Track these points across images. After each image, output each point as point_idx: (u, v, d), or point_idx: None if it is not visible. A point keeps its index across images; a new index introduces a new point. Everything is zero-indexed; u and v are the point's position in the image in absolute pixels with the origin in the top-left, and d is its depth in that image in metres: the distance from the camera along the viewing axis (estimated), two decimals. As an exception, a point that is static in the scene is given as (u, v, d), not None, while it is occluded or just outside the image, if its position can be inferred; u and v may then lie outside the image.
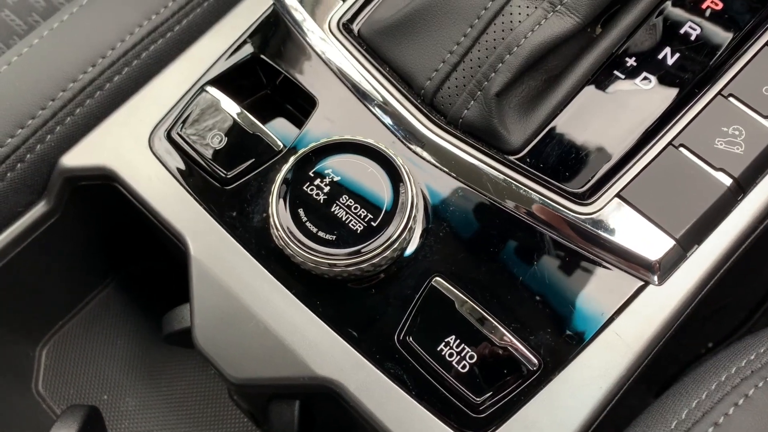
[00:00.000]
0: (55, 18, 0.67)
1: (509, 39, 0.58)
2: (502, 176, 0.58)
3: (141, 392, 0.71)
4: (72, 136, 0.64)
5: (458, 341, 0.54)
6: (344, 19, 0.64)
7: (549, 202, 0.56)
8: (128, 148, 0.63)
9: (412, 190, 0.56)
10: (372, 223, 0.55)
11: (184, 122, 0.63)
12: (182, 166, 0.62)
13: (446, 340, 0.54)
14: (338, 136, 0.59)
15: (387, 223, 0.55)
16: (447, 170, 0.59)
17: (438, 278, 0.56)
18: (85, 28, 0.66)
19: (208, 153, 0.61)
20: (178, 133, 0.63)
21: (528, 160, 0.58)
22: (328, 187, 0.56)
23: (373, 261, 0.54)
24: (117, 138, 0.63)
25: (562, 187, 0.57)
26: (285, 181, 0.56)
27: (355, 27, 0.64)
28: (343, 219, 0.55)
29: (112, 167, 0.62)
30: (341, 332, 0.56)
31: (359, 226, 0.55)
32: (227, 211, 0.60)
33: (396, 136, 0.60)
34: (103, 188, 0.64)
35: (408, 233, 0.55)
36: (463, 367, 0.54)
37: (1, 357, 0.70)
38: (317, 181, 0.57)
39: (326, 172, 0.57)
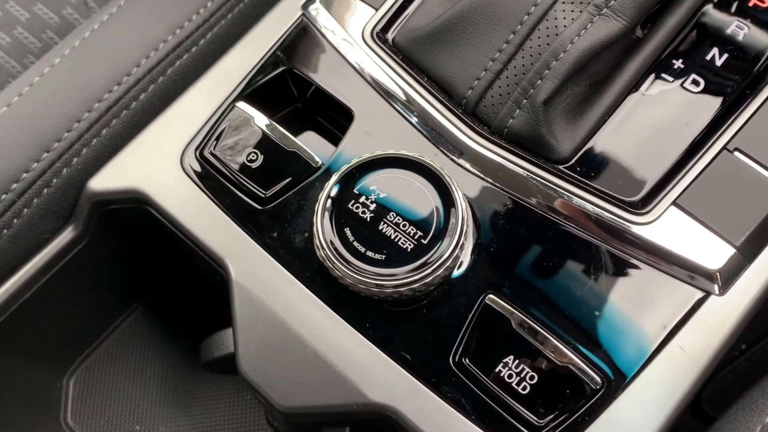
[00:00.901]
0: (75, 35, 0.65)
1: (555, 44, 0.56)
2: (552, 186, 0.56)
3: (174, 421, 0.69)
4: (99, 158, 0.62)
5: (517, 361, 0.53)
6: (378, 29, 0.63)
7: (604, 212, 0.55)
8: (159, 169, 0.61)
9: (461, 205, 0.54)
10: (422, 240, 0.53)
11: (216, 140, 0.61)
12: (217, 187, 0.60)
13: (504, 360, 0.53)
14: (380, 150, 0.57)
15: (438, 240, 0.53)
16: (494, 182, 0.57)
17: (491, 295, 0.54)
18: (108, 45, 0.64)
19: (244, 172, 0.60)
20: (211, 152, 0.61)
21: (578, 168, 0.57)
22: (374, 205, 0.55)
23: (426, 280, 0.52)
24: (147, 159, 0.61)
25: (616, 196, 0.55)
26: (329, 199, 0.55)
27: (390, 36, 0.63)
28: (392, 237, 0.54)
29: (143, 189, 0.60)
30: (393, 355, 0.54)
31: (409, 245, 0.53)
32: (267, 232, 0.58)
33: (438, 148, 0.59)
34: (133, 211, 0.62)
35: (460, 250, 0.54)
36: (524, 388, 0.52)
37: (29, 388, 0.68)
38: (362, 199, 0.55)
39: (371, 188, 0.55)
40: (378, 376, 0.53)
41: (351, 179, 0.56)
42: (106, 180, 0.61)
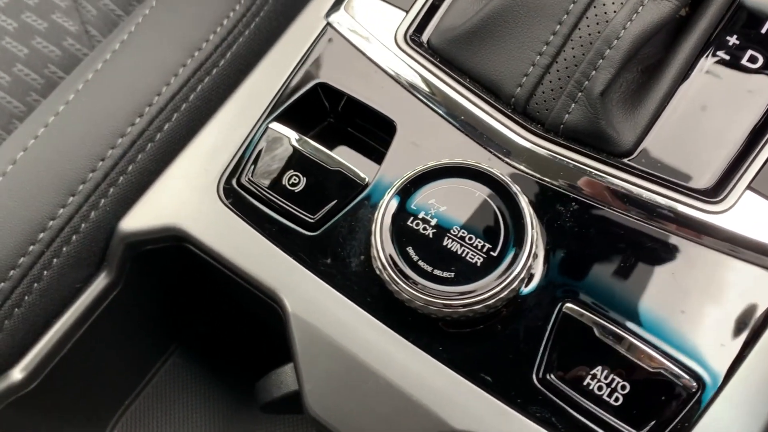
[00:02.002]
0: (86, 68, 0.62)
1: (607, 32, 0.54)
2: (620, 182, 0.54)
3: (229, 466, 0.66)
4: (128, 197, 0.59)
5: (605, 371, 0.50)
6: (411, 32, 0.60)
7: (677, 204, 0.52)
8: (195, 203, 0.58)
9: (528, 212, 0.51)
10: (491, 253, 0.51)
11: (253, 166, 0.58)
12: (260, 215, 0.57)
13: (592, 372, 0.50)
14: (429, 160, 0.54)
15: (508, 250, 0.51)
16: (555, 183, 0.55)
17: (569, 304, 0.52)
18: (124, 74, 0.60)
19: (287, 197, 0.57)
20: (248, 179, 0.58)
21: (643, 160, 0.54)
22: (435, 220, 0.52)
23: (501, 295, 0.50)
24: (180, 192, 0.58)
25: (687, 185, 0.53)
26: (386, 218, 0.52)
27: (424, 38, 0.60)
28: (459, 253, 0.51)
29: (180, 226, 0.57)
30: (472, 378, 0.51)
31: (478, 259, 0.51)
32: (320, 259, 0.55)
33: (490, 151, 0.56)
34: (169, 250, 0.59)
35: (533, 259, 0.51)
36: (616, 399, 0.50)
37: (70, 446, 0.64)
38: (422, 215, 0.52)
39: (429, 202, 0.52)
40: (459, 401, 0.51)
41: (407, 194, 0.53)
42: (139, 219, 0.58)
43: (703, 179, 0.53)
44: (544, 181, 0.55)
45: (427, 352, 0.52)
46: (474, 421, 0.50)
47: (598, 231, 0.54)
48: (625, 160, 0.54)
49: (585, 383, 0.50)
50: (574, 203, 0.54)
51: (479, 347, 0.52)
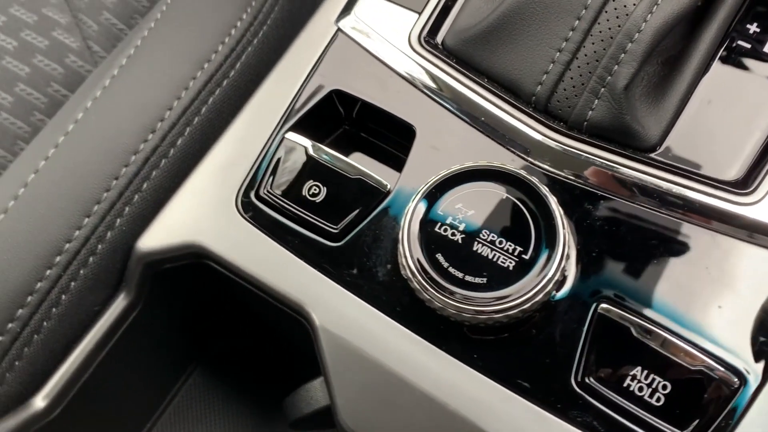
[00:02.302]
0: (93, 85, 0.61)
1: (628, 25, 0.53)
2: (648, 177, 0.53)
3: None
4: (144, 216, 0.58)
5: (645, 372, 0.49)
6: (425, 34, 0.59)
7: (707, 197, 0.52)
8: (214, 218, 0.57)
9: (558, 212, 0.51)
10: (523, 256, 0.50)
11: (272, 177, 0.57)
12: (282, 228, 0.56)
13: (631, 373, 0.50)
14: (451, 164, 0.54)
15: (540, 252, 0.50)
16: (581, 181, 0.54)
17: (604, 304, 0.51)
18: (133, 90, 0.59)
19: (308, 207, 0.56)
20: (267, 192, 0.57)
21: (670, 154, 0.54)
22: (464, 224, 0.51)
23: (536, 298, 0.49)
24: (198, 208, 0.57)
25: (716, 178, 0.52)
26: (413, 224, 0.51)
27: (439, 40, 0.59)
28: (490, 257, 0.50)
29: (200, 242, 0.56)
30: (510, 385, 0.50)
31: (510, 263, 0.50)
32: (346, 269, 0.54)
33: (513, 152, 0.56)
34: (189, 268, 0.58)
35: (566, 260, 0.50)
36: (658, 399, 0.49)
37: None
38: (449, 220, 0.51)
39: (456, 207, 0.52)
40: (498, 409, 0.50)
41: (432, 200, 0.52)
42: (156, 238, 0.57)
43: (732, 171, 0.53)
44: (570, 179, 0.54)
45: (461, 360, 0.51)
46: (514, 429, 0.49)
47: (628, 228, 0.53)
48: (652, 155, 0.54)
49: (625, 384, 0.49)
50: (602, 201, 0.54)
51: (514, 353, 0.51)
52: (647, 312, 0.51)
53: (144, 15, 0.70)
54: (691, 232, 0.52)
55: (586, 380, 0.50)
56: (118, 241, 0.57)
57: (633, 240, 0.53)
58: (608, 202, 0.53)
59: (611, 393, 0.49)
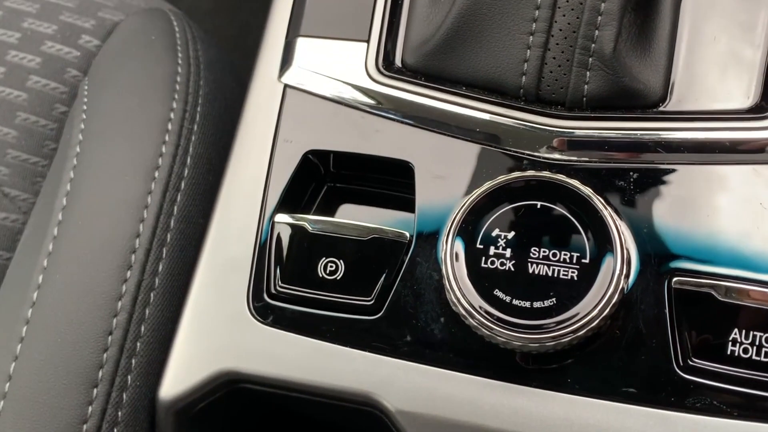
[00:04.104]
0: (37, 239, 0.56)
1: (594, -15, 0.52)
2: (666, 132, 0.52)
3: None
4: (155, 361, 0.53)
5: (744, 332, 0.49)
6: (380, 61, 0.56)
7: (735, 133, 0.51)
8: (233, 336, 0.53)
9: (599, 201, 0.49)
10: (583, 260, 0.48)
11: (278, 270, 0.53)
12: (311, 321, 0.53)
13: (731, 338, 0.49)
14: (466, 188, 0.52)
15: (599, 249, 0.48)
16: (603, 160, 0.53)
17: (676, 278, 0.50)
18: (90, 229, 0.55)
19: (332, 289, 0.53)
20: (281, 287, 0.53)
21: (680, 101, 0.53)
22: (509, 250, 0.49)
23: (615, 299, 0.48)
24: (211, 332, 0.53)
25: (735, 109, 0.52)
26: (457, 268, 0.49)
27: (398, 63, 0.57)
28: (550, 275, 0.48)
29: (229, 368, 0.52)
30: (616, 397, 0.49)
31: (572, 273, 0.48)
32: (397, 339, 0.52)
33: (522, 154, 0.54)
34: (223, 400, 0.54)
35: (626, 249, 0.49)
36: (766, 355, 0.49)
37: None
38: (492, 250, 0.49)
39: (494, 234, 0.49)
40: (616, 427, 0.48)
41: (465, 234, 0.50)
42: (178, 380, 0.53)
43: (748, 96, 0.52)
44: (592, 162, 0.53)
45: (557, 390, 0.49)
46: (641, 441, 0.48)
47: (667, 191, 0.52)
48: (662, 108, 0.53)
49: (729, 351, 0.49)
50: (632, 173, 0.52)
51: (607, 363, 0.50)
52: (722, 270, 0.50)
53: (55, 138, 0.65)
54: (730, 172, 0.51)
55: (689, 362, 0.49)
56: (138, 399, 0.53)
57: (677, 202, 0.52)
58: (639, 172, 0.52)
59: (718, 365, 0.49)
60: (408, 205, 0.55)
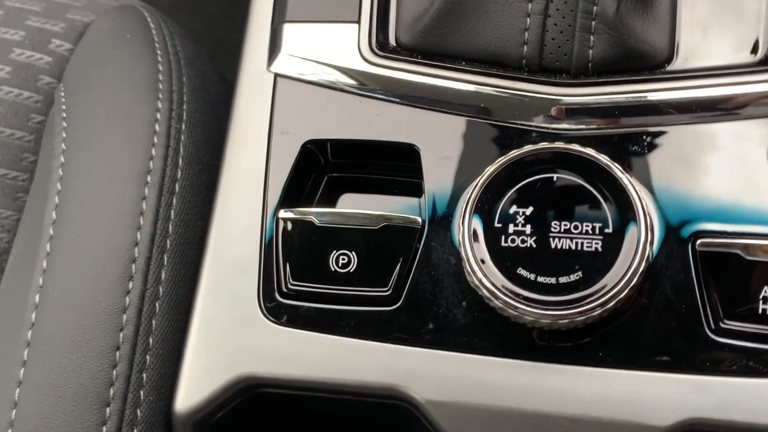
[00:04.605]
0: (26, 258, 0.54)
1: (589, -55, 0.51)
2: (677, 92, 0.52)
3: None
4: (166, 374, 0.52)
5: (773, 287, 0.49)
6: (374, 41, 0.55)
7: (747, 86, 0.51)
8: (247, 340, 0.51)
9: (617, 168, 0.49)
10: (606, 230, 0.48)
11: (288, 267, 0.52)
12: (327, 317, 0.51)
13: (761, 296, 0.49)
14: (475, 167, 0.51)
15: (621, 217, 0.48)
16: (614, 126, 0.52)
17: (701, 240, 0.50)
18: (85, 240, 0.53)
19: (346, 281, 0.51)
20: (292, 285, 0.52)
21: (688, 59, 0.53)
22: (529, 226, 0.48)
23: (642, 267, 0.47)
24: (224, 338, 0.52)
25: (746, 63, 0.52)
26: (477, 249, 0.48)
27: (392, 42, 0.55)
28: (573, 248, 0.48)
29: (247, 373, 0.51)
30: (652, 367, 0.48)
31: (596, 244, 0.48)
32: (419, 328, 0.50)
33: (530, 127, 0.53)
34: (242, 406, 0.52)
35: (648, 214, 0.48)
36: (798, 307, 0.49)
37: None
38: (511, 228, 0.48)
39: (512, 211, 0.49)
40: (653, 397, 0.48)
41: (482, 214, 0.49)
42: (194, 391, 0.51)
43: (755, 51, 0.52)
44: (603, 129, 0.52)
45: (590, 365, 0.49)
46: (686, 409, 0.47)
47: (683, 152, 0.51)
48: (670, 68, 0.53)
49: (760, 310, 0.49)
50: (645, 137, 0.52)
51: (638, 332, 0.49)
52: (746, 228, 0.50)
53: (33, 150, 0.62)
54: (746, 128, 0.51)
55: (721, 325, 0.49)
56: (153, 415, 0.51)
57: (694, 162, 0.51)
58: (652, 136, 0.52)
59: (751, 325, 0.48)
60: (414, 190, 0.54)
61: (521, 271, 0.48)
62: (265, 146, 0.55)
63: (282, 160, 0.55)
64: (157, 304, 0.53)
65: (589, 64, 0.52)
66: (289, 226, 0.53)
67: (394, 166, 0.55)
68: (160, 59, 0.60)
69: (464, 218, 0.49)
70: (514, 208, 0.49)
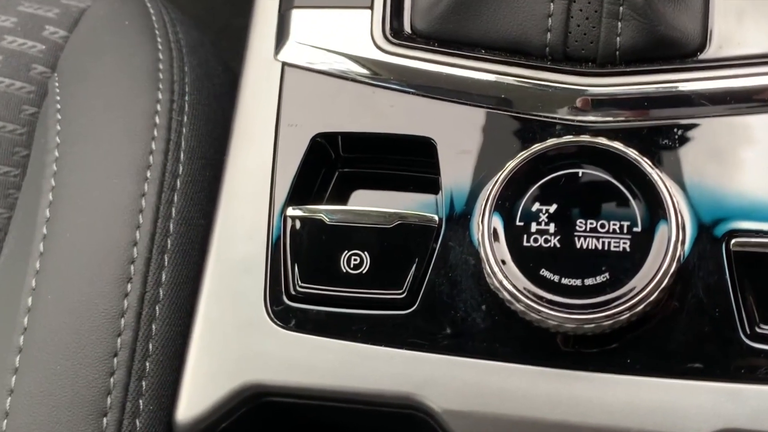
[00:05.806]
0: (20, 258, 0.54)
1: (617, -75, 0.51)
2: (710, 82, 0.51)
3: None
4: (167, 382, 0.52)
5: (811, 288, 0.48)
6: (388, 28, 0.55)
7: (785, 76, 0.51)
8: (253, 346, 0.51)
9: (647, 163, 0.48)
10: (635, 229, 0.47)
11: (296, 267, 0.52)
12: (338, 321, 0.51)
13: (798, 297, 0.48)
14: (495, 161, 0.50)
15: (651, 216, 0.47)
16: (643, 118, 0.52)
17: (735, 240, 0.49)
18: (80, 240, 0.53)
19: (359, 283, 0.51)
20: (301, 287, 0.52)
21: (721, 47, 0.52)
22: (553, 224, 0.48)
23: (672, 268, 0.46)
24: (228, 343, 0.52)
25: (781, 50, 0.51)
26: (497, 249, 0.47)
27: (407, 29, 0.55)
28: (600, 248, 0.47)
29: (252, 381, 0.51)
30: (684, 374, 0.48)
31: (624, 244, 0.47)
32: (435, 333, 0.50)
33: (555, 120, 0.52)
34: (247, 415, 0.52)
35: (680, 212, 0.48)
36: (835, 308, 0.48)
37: None
38: (534, 227, 0.48)
39: (535, 209, 0.48)
40: (684, 406, 0.47)
41: (502, 212, 0.48)
42: (196, 400, 0.51)
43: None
44: (632, 121, 0.52)
45: (619, 373, 0.48)
46: (713, 418, 0.47)
47: (716, 146, 0.51)
48: (702, 56, 0.52)
49: (797, 312, 0.48)
50: (675, 130, 0.51)
51: (668, 338, 0.49)
52: (779, 227, 0.49)
53: (26, 144, 0.62)
54: (784, 120, 0.51)
55: (756, 329, 0.48)
56: (153, 425, 0.51)
57: (728, 156, 0.51)
58: (683, 128, 0.51)
59: (789, 329, 0.48)
60: (430, 186, 0.54)
61: (544, 273, 0.47)
62: (272, 140, 0.55)
63: (290, 154, 0.54)
64: (157, 308, 0.53)
65: (617, 53, 0.52)
66: (298, 224, 0.53)
67: (409, 160, 0.55)
68: (160, 47, 0.60)
69: (484, 216, 0.48)
70: (536, 206, 0.48)
